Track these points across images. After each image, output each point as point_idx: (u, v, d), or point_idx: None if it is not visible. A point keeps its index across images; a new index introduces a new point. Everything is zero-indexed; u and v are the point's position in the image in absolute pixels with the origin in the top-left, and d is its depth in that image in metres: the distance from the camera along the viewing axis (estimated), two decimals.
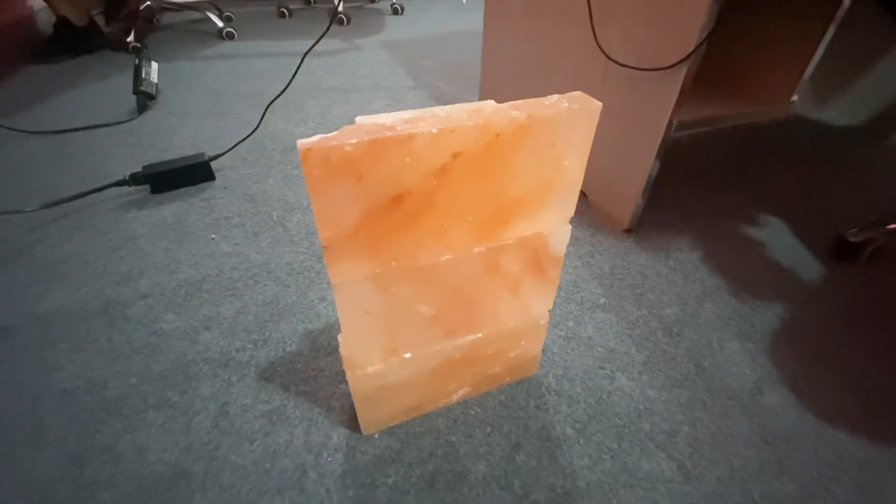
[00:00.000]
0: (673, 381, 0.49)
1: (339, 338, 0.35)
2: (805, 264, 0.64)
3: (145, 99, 1.03)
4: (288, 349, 0.51)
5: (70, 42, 1.31)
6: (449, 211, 0.30)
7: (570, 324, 0.55)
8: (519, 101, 0.29)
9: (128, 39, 1.34)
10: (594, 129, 0.31)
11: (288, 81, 0.85)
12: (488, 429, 0.44)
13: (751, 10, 0.77)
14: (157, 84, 1.08)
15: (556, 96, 0.30)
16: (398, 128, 0.25)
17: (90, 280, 0.59)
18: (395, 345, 0.37)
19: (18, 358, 0.49)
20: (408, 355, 0.38)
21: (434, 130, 0.26)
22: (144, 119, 1.00)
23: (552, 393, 0.47)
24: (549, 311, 0.43)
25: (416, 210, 0.29)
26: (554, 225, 0.35)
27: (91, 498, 0.38)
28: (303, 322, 0.54)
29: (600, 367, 0.50)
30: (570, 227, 0.36)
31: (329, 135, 0.25)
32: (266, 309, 0.56)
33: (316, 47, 1.43)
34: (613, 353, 0.52)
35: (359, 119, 0.28)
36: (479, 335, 0.40)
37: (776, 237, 0.69)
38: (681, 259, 0.65)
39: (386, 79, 1.22)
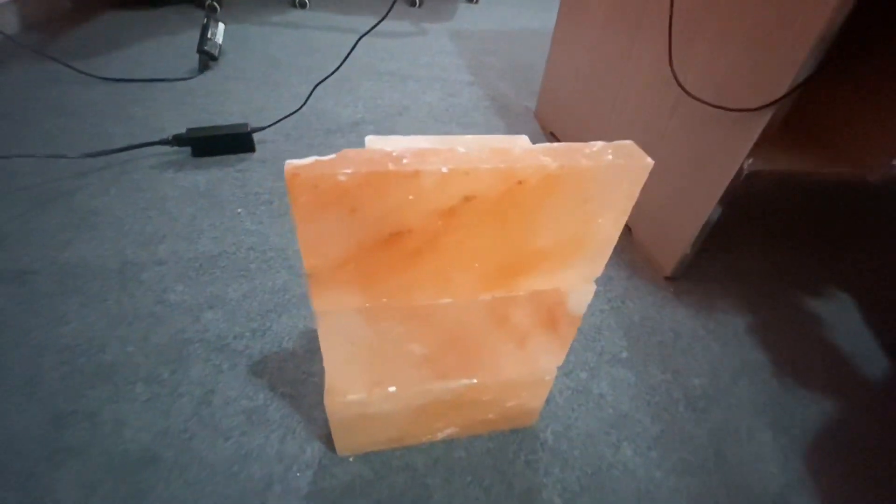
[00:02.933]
0: (686, 466, 0.43)
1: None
2: (870, 357, 0.56)
3: (207, 59, 1.05)
4: (284, 345, 0.49)
5: None
6: (454, 255, 0.27)
7: (583, 375, 0.50)
8: (555, 145, 0.25)
9: None
10: (639, 188, 0.26)
11: (341, 61, 0.83)
12: (469, 478, 0.41)
13: (859, 55, 0.67)
14: (220, 45, 1.09)
15: (600, 144, 0.25)
16: (404, 160, 0.22)
17: (115, 237, 0.60)
18: (380, 378, 0.34)
19: (32, 304, 0.51)
20: (393, 389, 0.35)
21: (444, 170, 0.22)
22: (202, 79, 1.02)
23: (547, 451, 0.43)
24: (557, 367, 0.39)
25: (415, 250, 0.26)
26: (575, 283, 0.31)
27: (62, 464, 0.38)
28: (305, 319, 0.52)
29: (606, 433, 0.45)
30: (594, 286, 0.32)
31: (324, 158, 0.22)
32: (273, 297, 0.55)
33: (381, 27, 1.40)
34: (625, 418, 0.47)
35: (369, 140, 0.25)
36: (475, 381, 0.37)
37: (841, 318, 0.61)
38: (723, 322, 0.58)
39: (445, 70, 1.18)
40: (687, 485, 0.42)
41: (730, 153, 0.54)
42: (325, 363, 0.32)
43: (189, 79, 1.01)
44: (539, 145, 0.25)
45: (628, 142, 0.26)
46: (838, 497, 0.42)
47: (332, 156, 0.22)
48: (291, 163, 0.21)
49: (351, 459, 0.41)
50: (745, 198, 0.81)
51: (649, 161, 0.25)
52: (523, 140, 0.27)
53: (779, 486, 0.43)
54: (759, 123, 0.50)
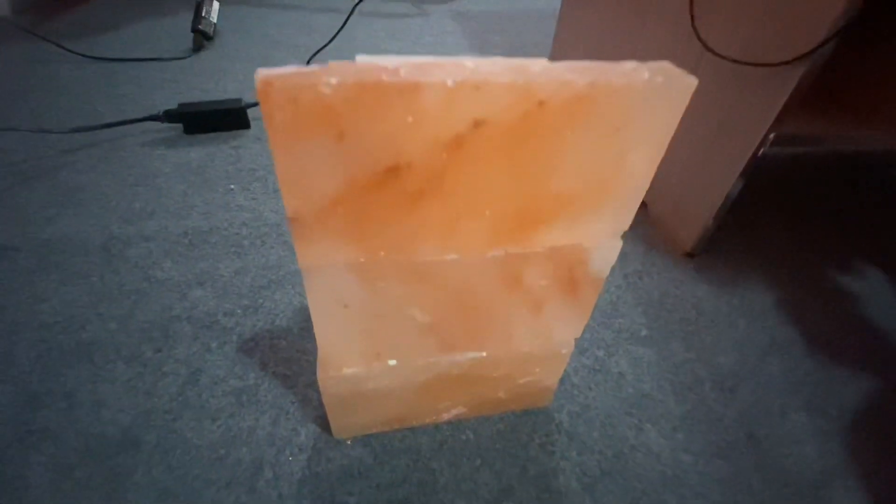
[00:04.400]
0: (715, 449, 0.40)
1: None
2: None
3: (201, 38, 1.01)
4: (277, 322, 0.46)
5: None
6: (461, 198, 0.23)
7: (601, 353, 0.46)
8: (581, 62, 0.21)
9: None
10: (680, 115, 0.22)
11: (333, 35, 0.79)
12: (478, 462, 0.37)
13: (892, 9, 0.63)
14: (215, 24, 1.05)
15: (634, 63, 0.21)
16: (402, 72, 0.18)
17: (101, 212, 0.57)
18: (379, 349, 0.31)
19: (10, 282, 0.47)
20: (393, 363, 0.32)
21: (450, 83, 0.18)
22: (197, 58, 0.98)
23: (563, 433, 0.40)
24: (575, 339, 0.35)
25: (417, 190, 0.22)
26: (600, 238, 0.27)
27: (34, 447, 0.35)
28: (300, 295, 0.49)
29: (627, 414, 0.41)
30: (620, 243, 0.28)
31: (306, 67, 0.18)
32: (266, 274, 0.51)
33: (382, 8, 1.36)
34: (646, 398, 0.43)
35: (360, 57, 0.21)
36: (484, 354, 0.33)
37: (875, 294, 0.57)
38: (748, 299, 0.54)
39: (449, 50, 1.14)
40: (717, 469, 0.38)
41: (757, 115, 0.50)
42: (316, 331, 0.28)
43: (183, 58, 0.98)
44: (562, 62, 0.21)
45: (665, 62, 0.22)
46: (884, 480, 0.39)
47: (314, 65, 0.18)
48: (264, 71, 0.17)
49: (349, 442, 0.37)
50: (769, 170, 0.77)
51: (692, 80, 0.21)
52: (542, 62, 0.23)
53: (818, 469, 0.39)
54: (790, 80, 0.46)
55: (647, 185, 0.25)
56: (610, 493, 0.36)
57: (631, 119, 0.21)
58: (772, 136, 0.50)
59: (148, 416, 0.38)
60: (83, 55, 0.94)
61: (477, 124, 0.20)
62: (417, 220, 0.23)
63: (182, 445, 0.36)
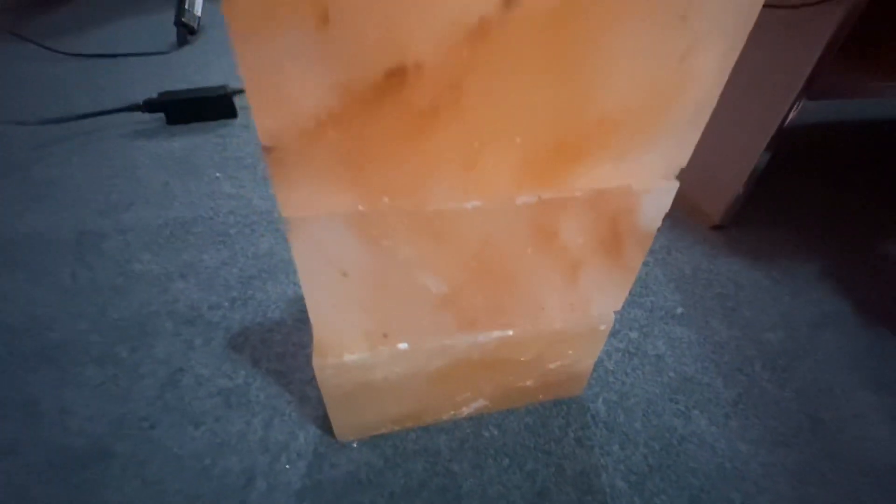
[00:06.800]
0: (776, 436, 0.34)
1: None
2: None
3: (185, 32, 0.97)
4: (269, 315, 0.41)
5: None
6: (485, 117, 0.18)
7: (634, 335, 0.41)
8: None
9: None
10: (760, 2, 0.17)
11: None
12: (506, 461, 0.32)
13: None
14: (199, 18, 1.01)
15: None
16: None
17: (73, 206, 0.52)
18: (386, 329, 0.26)
19: None
20: (404, 346, 0.27)
21: None
22: (181, 53, 0.94)
23: (601, 425, 0.34)
24: (615, 312, 0.30)
25: (428, 106, 0.17)
26: (653, 178, 0.22)
27: None
28: (295, 284, 0.44)
29: (671, 400, 0.36)
30: (677, 184, 0.23)
31: None
32: (255, 263, 0.46)
33: None
34: (691, 382, 0.38)
35: None
36: (510, 332, 0.28)
37: None
38: (790, 271, 0.49)
39: None
40: (782, 458, 0.33)
41: (792, 65, 0.45)
42: (309, 307, 0.23)
43: (167, 53, 0.93)
44: None
45: None
46: None
47: None
48: None
49: (354, 445, 0.32)
50: (796, 139, 0.72)
51: None
52: None
53: None
54: (831, 21, 0.41)
55: (713, 103, 0.20)
56: (662, 492, 0.31)
57: (700, 4, 0.16)
58: (810, 89, 0.46)
59: (121, 424, 0.33)
60: (63, 53, 0.89)
61: (508, 3, 0.15)
62: (430, 149, 0.18)
63: (160, 456, 0.31)
